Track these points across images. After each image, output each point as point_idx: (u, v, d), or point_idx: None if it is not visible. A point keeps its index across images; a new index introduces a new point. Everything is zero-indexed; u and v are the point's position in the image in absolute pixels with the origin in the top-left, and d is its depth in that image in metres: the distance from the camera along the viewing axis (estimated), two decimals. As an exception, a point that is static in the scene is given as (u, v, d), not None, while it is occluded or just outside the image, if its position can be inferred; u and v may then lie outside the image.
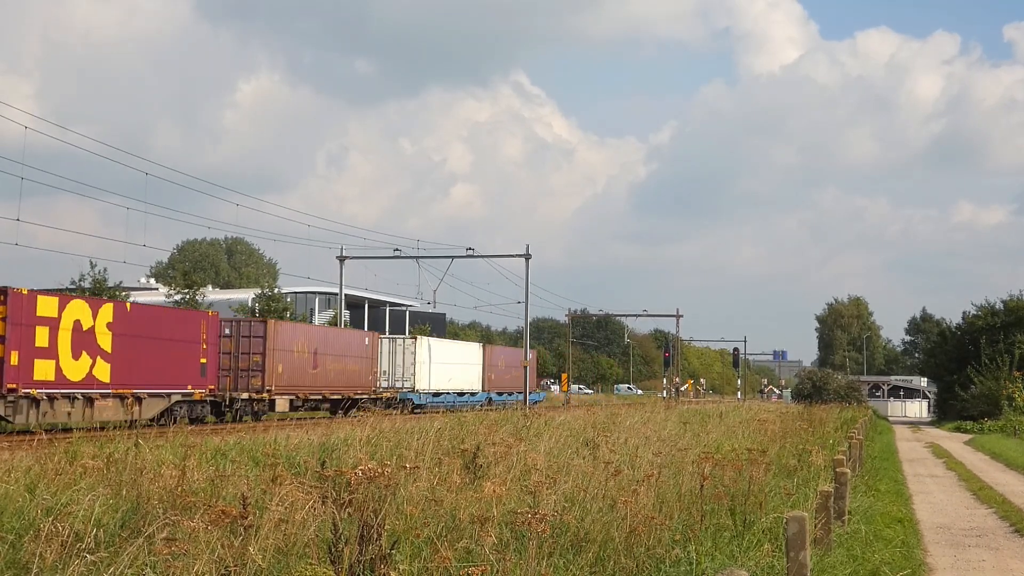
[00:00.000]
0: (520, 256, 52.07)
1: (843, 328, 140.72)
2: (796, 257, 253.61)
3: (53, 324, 25.07)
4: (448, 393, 51.50)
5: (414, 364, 48.73)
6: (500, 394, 58.68)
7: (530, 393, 52.64)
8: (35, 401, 24.44)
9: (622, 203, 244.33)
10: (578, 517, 8.84)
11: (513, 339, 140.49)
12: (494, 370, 58.90)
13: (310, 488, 8.54)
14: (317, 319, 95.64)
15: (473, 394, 55.27)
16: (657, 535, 8.63)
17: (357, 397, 40.89)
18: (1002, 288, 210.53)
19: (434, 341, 53.63)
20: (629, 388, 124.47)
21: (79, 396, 25.75)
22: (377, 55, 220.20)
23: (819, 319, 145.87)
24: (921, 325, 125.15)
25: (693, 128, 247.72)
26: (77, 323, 25.91)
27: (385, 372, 46.95)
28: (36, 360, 24.48)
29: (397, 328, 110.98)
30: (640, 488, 9.84)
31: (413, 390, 48.20)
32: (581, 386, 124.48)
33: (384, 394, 44.22)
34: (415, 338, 51.00)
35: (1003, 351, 53.74)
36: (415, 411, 40.09)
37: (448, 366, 51.86)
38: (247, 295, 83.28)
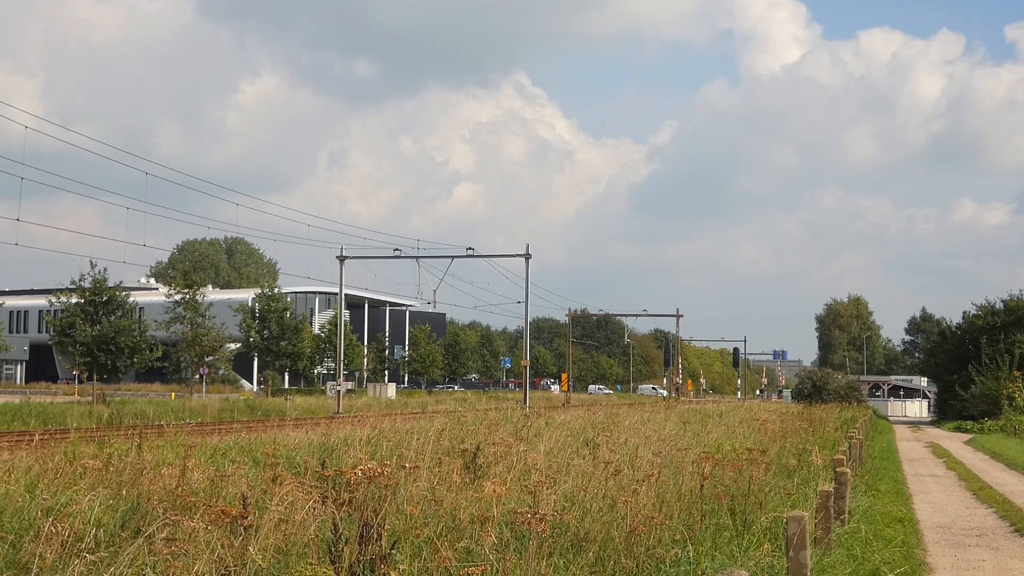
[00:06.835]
0: (520, 256, 52.03)
1: (843, 328, 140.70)
2: (796, 257, 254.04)
3: None
4: None
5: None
6: None
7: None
8: None
9: (622, 203, 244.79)
10: (578, 517, 8.83)
11: (513, 339, 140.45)
12: None
13: (310, 488, 8.53)
14: (317, 319, 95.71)
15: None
16: (657, 535, 8.61)
17: None
18: (1002, 288, 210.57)
19: None
20: (653, 389, 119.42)
21: None
22: (378, 55, 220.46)
23: (819, 319, 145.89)
24: (921, 325, 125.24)
25: (694, 128, 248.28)
26: None
27: None
28: None
29: (397, 328, 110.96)
30: (640, 488, 9.83)
31: None
32: (601, 386, 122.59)
33: None
34: None
35: (1003, 351, 53.74)
36: None
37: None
38: (247, 295, 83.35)
